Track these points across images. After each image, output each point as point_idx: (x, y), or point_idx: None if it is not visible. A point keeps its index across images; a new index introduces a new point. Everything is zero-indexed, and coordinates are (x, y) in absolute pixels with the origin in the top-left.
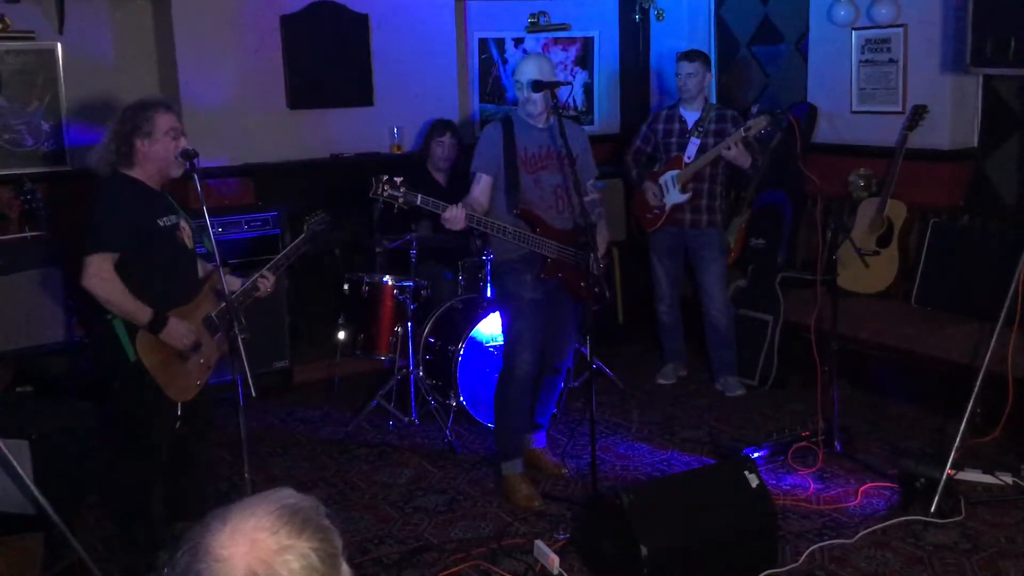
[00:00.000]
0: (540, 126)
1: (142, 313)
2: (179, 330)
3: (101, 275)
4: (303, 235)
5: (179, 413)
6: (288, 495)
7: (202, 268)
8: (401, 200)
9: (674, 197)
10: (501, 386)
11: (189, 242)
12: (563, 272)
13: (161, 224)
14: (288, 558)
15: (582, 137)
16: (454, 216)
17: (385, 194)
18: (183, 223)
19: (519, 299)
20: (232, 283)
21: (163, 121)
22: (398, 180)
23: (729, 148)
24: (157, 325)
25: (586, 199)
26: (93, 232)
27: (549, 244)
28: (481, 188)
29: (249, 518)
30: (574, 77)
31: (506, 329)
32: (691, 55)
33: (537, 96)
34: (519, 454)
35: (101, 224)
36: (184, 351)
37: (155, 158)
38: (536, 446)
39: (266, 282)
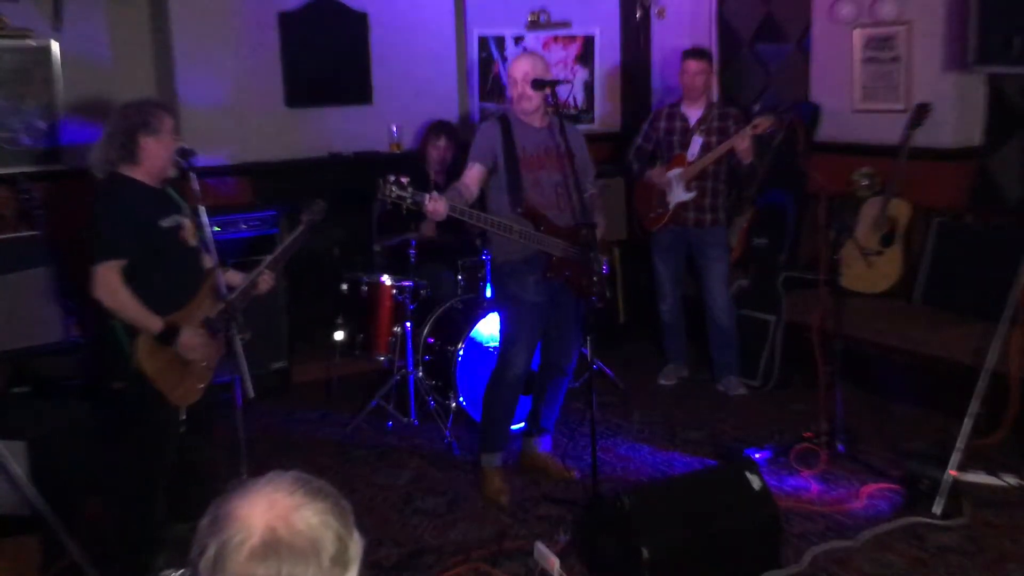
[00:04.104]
0: (536, 125)
1: (153, 324)
2: (192, 341)
3: (110, 286)
4: (301, 227)
5: (183, 417)
6: (301, 473)
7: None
8: (409, 201)
9: (678, 195)
10: (492, 386)
11: (192, 240)
12: (569, 270)
13: (163, 226)
14: (305, 514)
15: (579, 137)
16: (436, 208)
17: (393, 195)
18: (185, 220)
19: (520, 302)
20: (234, 279)
21: (168, 121)
22: (404, 180)
23: (744, 139)
24: (169, 336)
25: (586, 195)
26: (97, 240)
27: (554, 242)
28: (472, 175)
29: (267, 485)
30: (574, 75)
31: (504, 331)
32: (699, 53)
33: (533, 93)
34: (500, 449)
35: (104, 231)
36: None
37: (157, 156)
38: (542, 450)
39: (266, 280)
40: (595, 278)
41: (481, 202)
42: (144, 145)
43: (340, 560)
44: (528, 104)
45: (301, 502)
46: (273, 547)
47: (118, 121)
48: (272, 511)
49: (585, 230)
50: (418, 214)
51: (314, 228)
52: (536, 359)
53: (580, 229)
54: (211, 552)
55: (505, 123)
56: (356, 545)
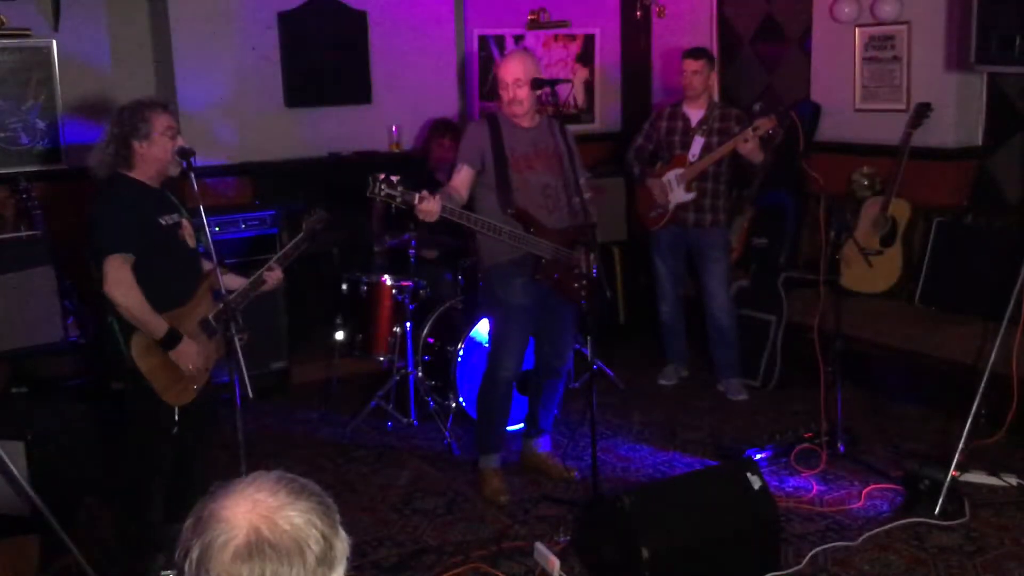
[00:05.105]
0: (524, 125)
1: (158, 327)
2: (190, 352)
3: (124, 282)
4: (302, 233)
5: (176, 418)
6: (284, 472)
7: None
8: (399, 199)
9: (679, 196)
10: (484, 390)
11: (191, 240)
12: (558, 273)
13: (163, 223)
14: (289, 514)
15: (570, 137)
16: (428, 208)
17: (382, 193)
18: (184, 221)
19: (506, 305)
20: (232, 282)
21: (159, 121)
22: (395, 179)
23: (747, 141)
24: (170, 343)
25: (586, 196)
26: (105, 236)
27: (544, 244)
28: (461, 178)
29: (250, 485)
30: (575, 75)
31: (492, 334)
32: (696, 52)
33: (524, 96)
34: (497, 450)
35: (111, 227)
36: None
37: (153, 159)
38: (541, 450)
39: (273, 275)
40: (585, 282)
41: (468, 203)
42: (138, 150)
43: (325, 560)
44: (519, 108)
45: (285, 502)
46: (257, 547)
47: (113, 126)
48: (256, 511)
49: (578, 232)
50: (409, 212)
51: (314, 236)
52: (532, 360)
53: (572, 231)
54: (195, 553)
55: (493, 123)
56: (342, 544)
